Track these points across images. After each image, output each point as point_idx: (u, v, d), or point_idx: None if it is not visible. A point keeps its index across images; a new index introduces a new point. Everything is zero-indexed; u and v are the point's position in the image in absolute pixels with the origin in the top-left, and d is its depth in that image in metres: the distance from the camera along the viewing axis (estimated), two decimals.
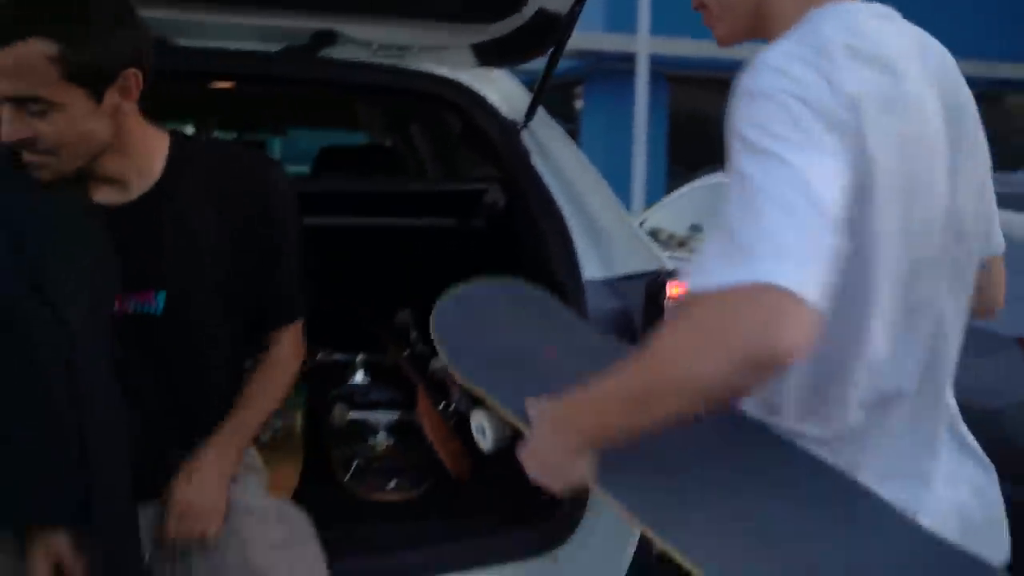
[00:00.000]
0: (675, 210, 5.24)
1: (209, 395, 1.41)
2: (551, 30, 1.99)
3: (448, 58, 2.08)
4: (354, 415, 1.96)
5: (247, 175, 1.44)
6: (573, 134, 11.66)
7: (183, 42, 1.94)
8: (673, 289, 1.77)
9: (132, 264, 1.31)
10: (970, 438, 1.08)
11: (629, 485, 0.93)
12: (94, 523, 1.23)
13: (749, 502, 0.91)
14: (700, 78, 13.47)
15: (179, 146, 1.39)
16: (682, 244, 4.74)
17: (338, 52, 2.05)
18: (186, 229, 1.37)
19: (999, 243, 1.17)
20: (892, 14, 1.02)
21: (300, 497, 1.67)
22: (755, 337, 0.77)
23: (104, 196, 1.33)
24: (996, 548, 1.03)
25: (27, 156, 1.22)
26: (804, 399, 0.99)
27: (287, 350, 1.50)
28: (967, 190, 1.02)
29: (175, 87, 2.78)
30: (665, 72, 12.67)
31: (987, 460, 1.08)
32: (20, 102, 1.17)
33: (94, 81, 1.21)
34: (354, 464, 1.86)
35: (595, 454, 0.93)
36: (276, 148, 11.16)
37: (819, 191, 0.83)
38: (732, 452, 0.98)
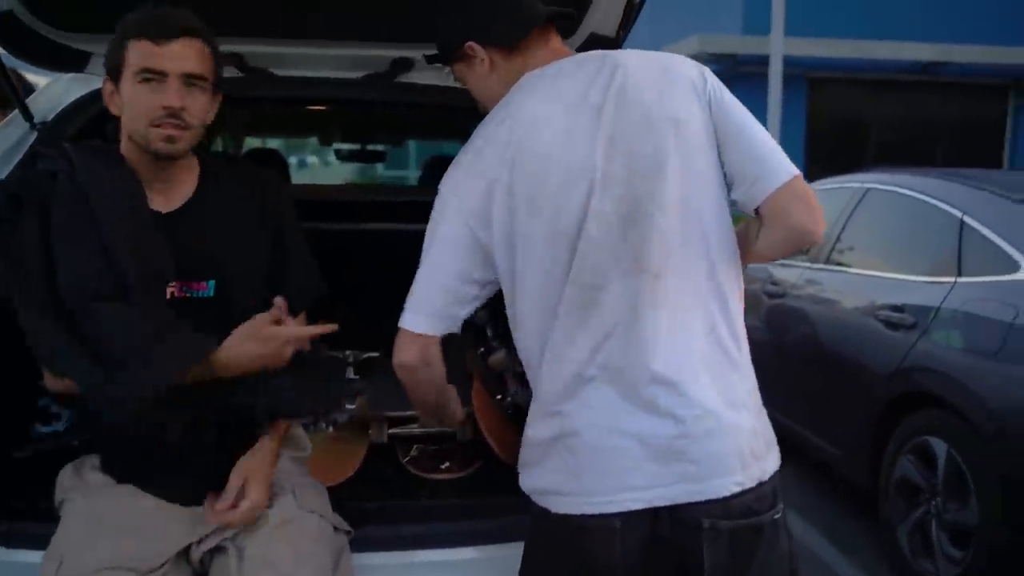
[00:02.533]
0: None
1: None
2: None
3: None
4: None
5: (260, 182, 1.72)
6: None
7: (282, 72, 2.23)
8: None
9: (187, 260, 1.56)
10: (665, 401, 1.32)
11: None
12: None
13: None
14: (839, 79, 13.02)
15: (205, 161, 1.67)
16: (805, 251, 4.37)
17: (416, 76, 2.28)
18: (226, 228, 1.63)
19: (764, 186, 1.33)
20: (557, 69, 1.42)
21: (363, 474, 1.92)
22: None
23: (155, 205, 1.58)
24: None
25: (169, 127, 1.52)
26: (531, 381, 1.40)
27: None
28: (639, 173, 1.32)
29: (289, 109, 3.14)
30: (805, 74, 12.34)
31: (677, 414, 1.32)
32: (189, 80, 1.51)
33: (216, 82, 1.57)
34: (412, 448, 2.07)
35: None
36: (412, 154, 11.71)
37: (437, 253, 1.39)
38: None
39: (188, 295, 1.58)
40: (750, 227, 1.43)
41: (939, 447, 3.07)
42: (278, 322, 1.53)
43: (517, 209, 1.34)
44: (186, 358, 1.46)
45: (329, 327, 1.57)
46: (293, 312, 1.63)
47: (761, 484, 1.33)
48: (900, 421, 3.31)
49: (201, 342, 1.49)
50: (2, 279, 1.51)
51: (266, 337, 1.50)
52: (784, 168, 1.35)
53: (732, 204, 1.37)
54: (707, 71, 1.41)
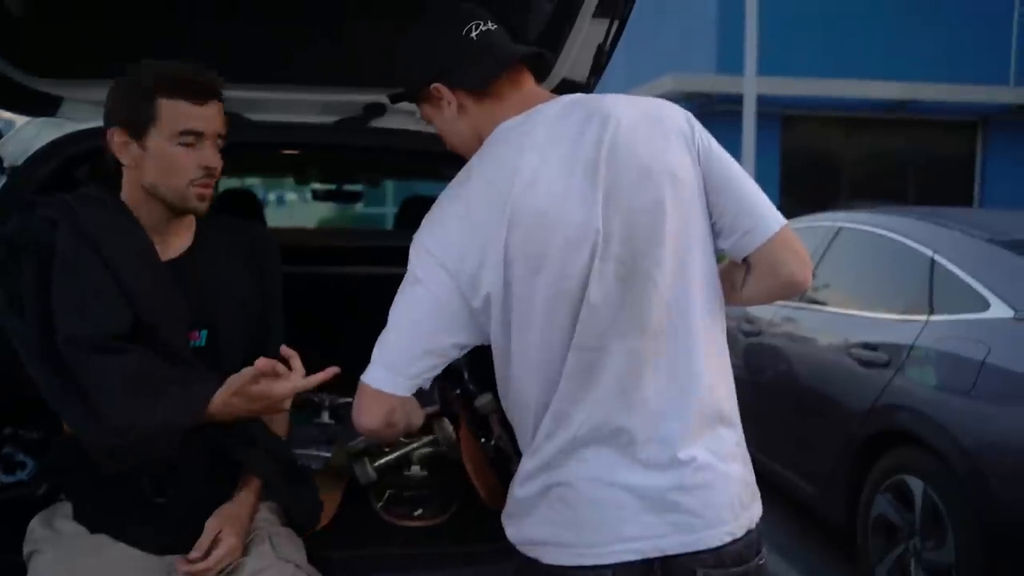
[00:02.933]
0: None
1: None
2: None
3: None
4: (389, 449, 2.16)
5: (253, 238, 1.76)
6: None
7: (254, 116, 2.23)
8: None
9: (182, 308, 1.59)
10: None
11: None
12: None
13: None
14: (812, 117, 13.22)
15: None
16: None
17: (386, 121, 2.29)
18: (219, 280, 1.67)
19: (754, 238, 1.34)
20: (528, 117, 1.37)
21: (335, 521, 1.89)
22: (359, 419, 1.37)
23: (162, 253, 1.62)
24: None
25: (205, 186, 1.59)
26: (521, 439, 1.37)
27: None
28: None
29: (265, 152, 3.16)
30: (778, 112, 12.52)
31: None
32: (218, 139, 1.60)
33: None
34: (387, 493, 2.04)
35: None
36: (389, 192, 11.74)
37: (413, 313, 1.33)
38: None
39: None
40: (732, 271, 1.43)
41: (916, 485, 3.08)
42: (275, 375, 1.49)
43: (514, 271, 1.27)
44: (182, 410, 1.48)
45: (331, 371, 1.52)
46: None
47: (749, 532, 1.35)
48: (876, 459, 3.32)
49: (195, 396, 1.49)
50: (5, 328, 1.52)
51: (256, 395, 1.49)
52: (774, 218, 1.36)
53: (718, 251, 1.38)
54: (691, 117, 1.40)
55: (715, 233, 1.37)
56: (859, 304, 3.77)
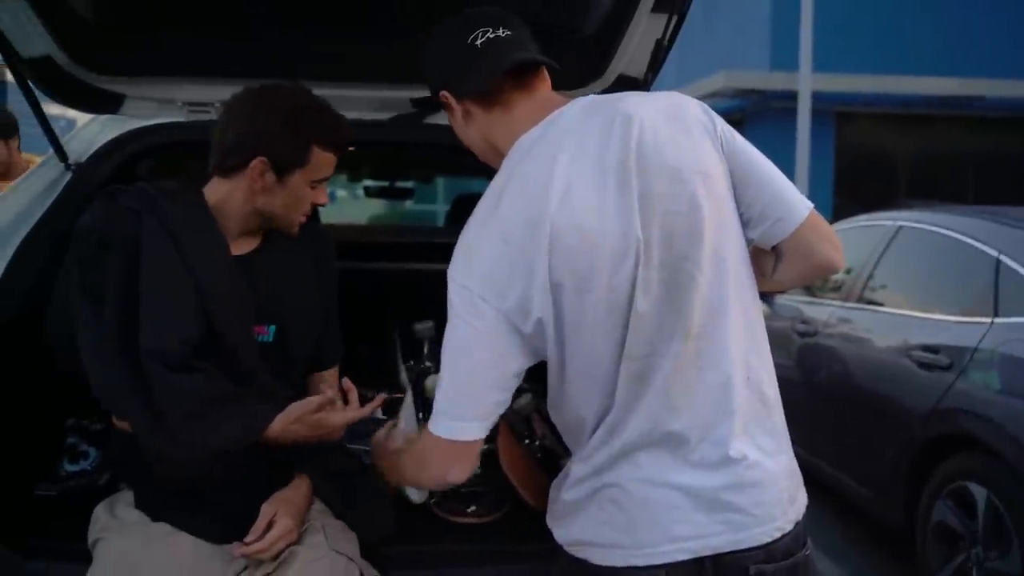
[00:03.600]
0: None
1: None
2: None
3: None
4: None
5: (318, 240, 1.79)
6: None
7: None
8: None
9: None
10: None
11: None
12: None
13: None
14: (867, 114, 12.98)
15: None
16: (836, 290, 4.33)
17: (440, 117, 2.29)
18: (287, 278, 1.70)
19: (785, 226, 1.34)
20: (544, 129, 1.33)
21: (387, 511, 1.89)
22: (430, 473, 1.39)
23: (234, 250, 1.66)
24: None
25: (304, 217, 1.68)
26: (571, 444, 1.36)
27: (335, 389, 1.77)
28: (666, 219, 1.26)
29: None
30: (833, 109, 12.32)
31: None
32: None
33: None
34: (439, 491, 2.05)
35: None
36: (440, 189, 11.79)
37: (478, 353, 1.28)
38: None
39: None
40: (760, 259, 1.42)
41: (978, 492, 3.00)
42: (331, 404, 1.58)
43: (562, 292, 1.24)
44: (243, 430, 1.52)
45: (380, 399, 1.63)
46: (329, 366, 1.75)
47: (796, 525, 1.35)
48: (936, 464, 3.24)
49: (257, 417, 1.53)
50: (62, 317, 1.56)
51: (314, 424, 1.54)
52: (802, 204, 1.35)
53: (749, 242, 1.36)
54: (708, 108, 1.36)
55: (743, 223, 1.35)
56: (919, 305, 3.68)
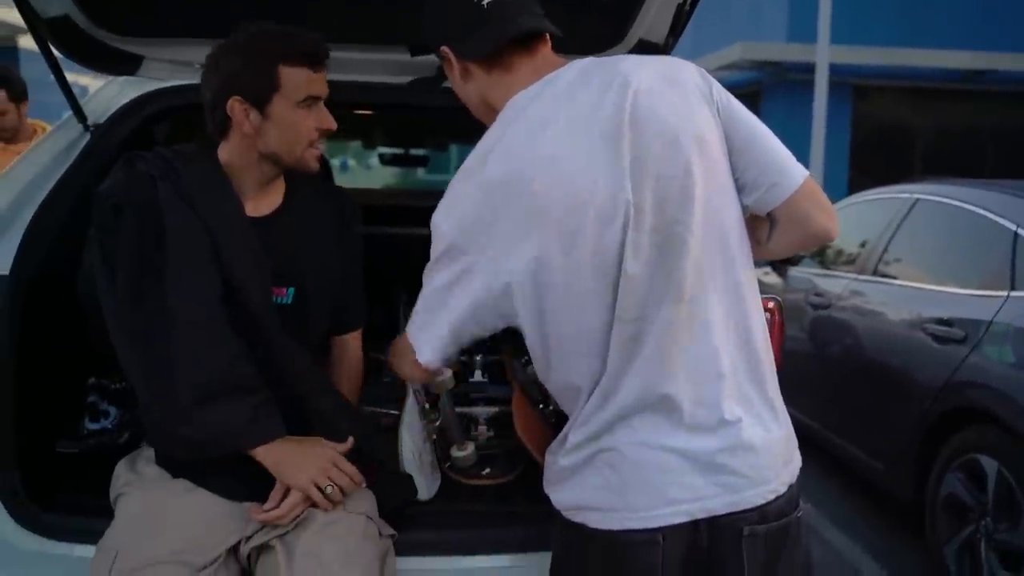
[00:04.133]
0: (841, 224, 4.68)
1: (306, 370, 1.69)
2: None
3: None
4: (459, 410, 2.18)
5: (341, 202, 1.79)
6: None
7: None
8: None
9: (271, 264, 1.63)
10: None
11: None
12: None
13: None
14: (885, 87, 12.84)
15: (290, 175, 1.71)
16: (850, 262, 4.29)
17: None
18: (308, 239, 1.70)
19: (780, 191, 1.33)
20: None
21: (405, 477, 1.92)
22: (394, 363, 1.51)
23: (246, 211, 1.65)
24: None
25: (318, 147, 1.64)
26: (567, 410, 1.39)
27: (358, 352, 1.80)
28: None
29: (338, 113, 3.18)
30: (850, 82, 12.19)
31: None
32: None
33: None
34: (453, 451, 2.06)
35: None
36: (454, 159, 11.75)
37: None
38: None
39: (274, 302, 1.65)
40: (755, 226, 1.42)
41: (989, 465, 3.00)
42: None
43: (550, 252, 1.26)
44: (250, 436, 1.53)
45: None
46: (351, 329, 1.77)
47: (790, 487, 1.37)
48: (948, 437, 3.24)
49: (269, 429, 1.54)
50: (90, 284, 1.57)
51: (323, 467, 1.55)
52: (797, 170, 1.35)
53: (744, 209, 1.37)
54: (706, 73, 1.37)
55: (738, 188, 1.35)
56: (934, 278, 3.66)
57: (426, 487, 1.87)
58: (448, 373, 1.95)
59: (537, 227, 1.25)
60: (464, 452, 1.99)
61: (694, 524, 1.30)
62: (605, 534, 1.32)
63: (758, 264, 1.54)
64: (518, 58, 1.38)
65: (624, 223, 1.25)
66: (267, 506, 1.53)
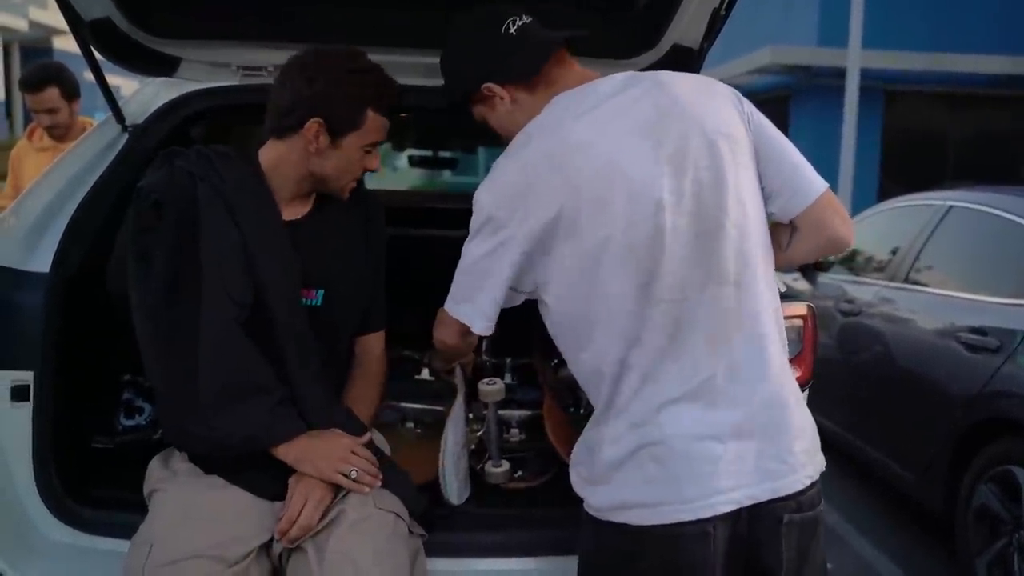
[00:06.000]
0: (872, 231, 4.60)
1: (335, 370, 1.74)
2: (685, 64, 2.11)
3: None
4: None
5: (370, 206, 1.80)
6: None
7: None
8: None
9: (302, 267, 1.66)
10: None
11: None
12: None
13: None
14: (916, 92, 12.69)
15: None
16: (881, 269, 4.23)
17: None
18: (337, 243, 1.73)
19: (803, 198, 1.42)
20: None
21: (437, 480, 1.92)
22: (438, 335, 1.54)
23: (285, 214, 1.69)
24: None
25: (355, 182, 1.71)
26: (598, 401, 1.41)
27: (381, 355, 1.81)
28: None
29: None
30: (881, 87, 12.06)
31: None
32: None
33: None
34: (486, 456, 2.07)
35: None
36: (481, 161, 11.77)
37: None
38: None
39: (304, 303, 1.68)
40: (777, 232, 1.49)
41: (1023, 477, 2.96)
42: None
43: (583, 233, 1.32)
44: (270, 435, 1.56)
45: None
46: (373, 329, 1.80)
47: (815, 483, 1.42)
48: (980, 448, 3.19)
49: (289, 427, 1.57)
50: (121, 277, 1.59)
51: (343, 455, 1.58)
52: (818, 181, 1.45)
53: (769, 216, 1.45)
54: (738, 93, 1.47)
55: (764, 197, 1.44)
56: (967, 286, 3.61)
57: (456, 492, 1.88)
58: (499, 384, 1.97)
59: (569, 197, 1.32)
60: (499, 469, 2.00)
61: (737, 513, 1.34)
62: (650, 530, 1.33)
63: (788, 271, 1.61)
64: (556, 73, 1.47)
65: (656, 208, 1.31)
66: (281, 526, 1.53)
